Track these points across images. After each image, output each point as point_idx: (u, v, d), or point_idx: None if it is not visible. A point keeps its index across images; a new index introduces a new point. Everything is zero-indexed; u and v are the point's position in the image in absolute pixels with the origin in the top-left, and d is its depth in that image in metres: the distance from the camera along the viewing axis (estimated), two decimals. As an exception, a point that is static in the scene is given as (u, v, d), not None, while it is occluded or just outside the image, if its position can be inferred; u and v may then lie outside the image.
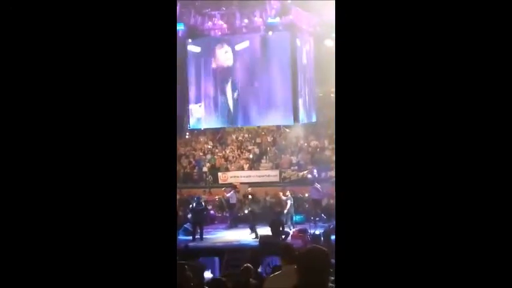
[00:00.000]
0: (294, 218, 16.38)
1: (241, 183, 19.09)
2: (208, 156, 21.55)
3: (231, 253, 13.34)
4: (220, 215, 17.43)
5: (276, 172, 20.05)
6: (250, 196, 16.97)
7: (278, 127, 22.43)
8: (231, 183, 18.79)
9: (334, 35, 2.94)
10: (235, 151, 22.02)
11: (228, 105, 21.69)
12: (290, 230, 14.77)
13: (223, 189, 18.28)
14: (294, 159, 20.63)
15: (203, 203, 15.68)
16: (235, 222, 16.77)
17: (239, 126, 22.62)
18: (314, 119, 21.60)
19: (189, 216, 15.85)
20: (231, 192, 16.95)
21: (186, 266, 5.58)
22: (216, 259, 13.32)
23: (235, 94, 21.49)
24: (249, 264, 6.68)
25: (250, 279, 6.23)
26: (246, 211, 16.95)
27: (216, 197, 18.47)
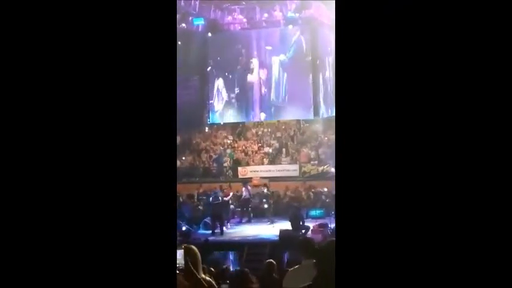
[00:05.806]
0: (314, 213, 16.34)
1: (261, 177, 19.10)
2: (228, 151, 21.57)
3: (250, 248, 13.36)
4: (239, 209, 17.42)
5: (296, 167, 19.98)
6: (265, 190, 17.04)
7: (298, 121, 22.36)
8: (250, 178, 18.80)
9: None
10: (255, 145, 22.01)
11: (247, 99, 21.70)
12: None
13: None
14: (314, 154, 20.55)
15: (220, 197, 15.70)
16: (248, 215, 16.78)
17: (259, 120, 22.62)
18: (334, 113, 21.46)
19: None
20: (243, 188, 16.98)
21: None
22: (235, 253, 13.38)
23: (255, 88, 21.50)
24: (271, 260, 6.68)
25: (273, 275, 6.22)
26: (266, 205, 16.96)
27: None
